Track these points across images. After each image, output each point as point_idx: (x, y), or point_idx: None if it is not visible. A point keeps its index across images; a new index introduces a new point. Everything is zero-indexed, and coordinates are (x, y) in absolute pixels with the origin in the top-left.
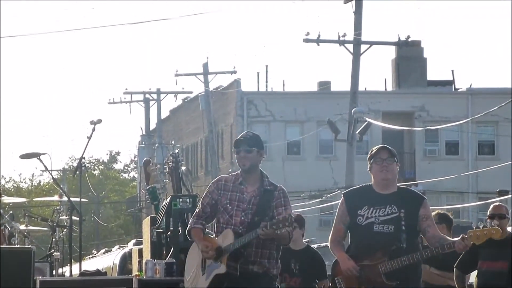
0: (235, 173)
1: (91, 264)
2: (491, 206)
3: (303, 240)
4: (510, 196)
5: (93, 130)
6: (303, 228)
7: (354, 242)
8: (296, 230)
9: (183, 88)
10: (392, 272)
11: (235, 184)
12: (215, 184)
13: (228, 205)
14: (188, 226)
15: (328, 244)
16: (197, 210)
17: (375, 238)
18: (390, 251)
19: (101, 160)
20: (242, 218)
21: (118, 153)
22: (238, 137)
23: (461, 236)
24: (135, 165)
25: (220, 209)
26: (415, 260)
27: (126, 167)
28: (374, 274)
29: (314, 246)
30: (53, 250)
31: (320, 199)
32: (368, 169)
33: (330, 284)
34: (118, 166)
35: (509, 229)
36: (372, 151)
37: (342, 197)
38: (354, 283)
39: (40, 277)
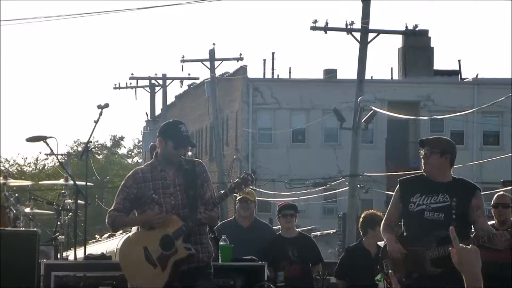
0: (149, 162)
1: (95, 248)
2: (495, 196)
3: (303, 229)
4: None
5: (100, 114)
6: (296, 216)
7: (406, 228)
8: (294, 218)
9: (189, 74)
10: (438, 259)
11: (154, 173)
12: (132, 178)
13: (154, 195)
14: (109, 219)
15: (380, 228)
16: (114, 205)
17: (425, 225)
18: (438, 238)
19: (105, 145)
20: (173, 202)
21: (122, 138)
22: (185, 133)
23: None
24: (139, 150)
25: (146, 201)
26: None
27: (130, 152)
28: (420, 260)
29: (317, 233)
30: (58, 234)
31: (324, 187)
32: None
33: (378, 266)
34: (121, 151)
35: None
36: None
37: (398, 185)
38: (401, 266)
39: (44, 260)
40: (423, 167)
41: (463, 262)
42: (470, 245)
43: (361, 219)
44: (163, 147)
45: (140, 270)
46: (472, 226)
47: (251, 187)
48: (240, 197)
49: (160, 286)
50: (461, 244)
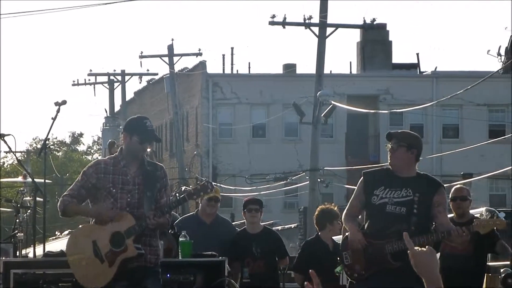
0: (113, 155)
1: (55, 245)
2: (453, 189)
3: (266, 223)
4: (474, 179)
5: (58, 111)
6: (262, 211)
7: (367, 220)
8: (259, 213)
9: (148, 70)
10: (398, 253)
11: (117, 167)
12: (93, 167)
13: (112, 189)
14: (61, 203)
15: (342, 217)
16: (70, 190)
17: (386, 218)
18: (398, 232)
19: (64, 142)
20: (129, 199)
21: (81, 135)
22: (150, 128)
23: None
24: (98, 147)
25: (102, 193)
26: (421, 243)
27: (89, 149)
28: (380, 253)
29: (278, 228)
30: (16, 231)
31: (285, 182)
32: None
33: (338, 258)
34: (81, 147)
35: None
36: None
37: (362, 177)
38: (360, 258)
39: (3, 258)
40: (389, 160)
41: (420, 265)
42: (426, 247)
43: (317, 213)
44: (128, 142)
45: (87, 264)
46: (433, 221)
47: (210, 192)
48: (210, 195)
49: (105, 282)
50: (416, 247)
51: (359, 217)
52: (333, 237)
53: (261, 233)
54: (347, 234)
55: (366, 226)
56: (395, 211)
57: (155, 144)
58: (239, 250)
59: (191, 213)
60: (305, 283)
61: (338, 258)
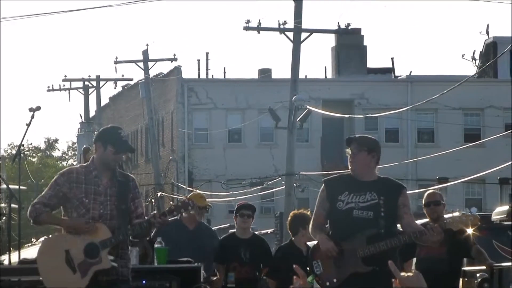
0: (84, 164)
1: (31, 252)
2: (425, 195)
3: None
4: (449, 183)
5: (32, 117)
6: (253, 217)
7: (333, 227)
8: (250, 219)
9: (122, 75)
10: (370, 257)
11: (88, 177)
12: (65, 176)
13: (84, 199)
14: (33, 212)
15: (309, 229)
16: (41, 198)
17: (354, 223)
18: (368, 236)
19: (39, 147)
20: (101, 211)
21: (56, 141)
22: (124, 138)
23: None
24: (73, 152)
25: (74, 202)
26: (392, 245)
27: (64, 155)
28: (352, 258)
29: (255, 233)
30: None
31: (261, 187)
32: None
33: (308, 268)
34: (56, 153)
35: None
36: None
37: (323, 184)
38: (331, 266)
39: None
40: (349, 166)
41: None
42: (412, 271)
43: (290, 219)
44: (102, 152)
45: (58, 273)
46: (399, 223)
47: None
48: (204, 204)
49: None
50: (402, 273)
51: (327, 225)
52: (307, 242)
53: (251, 239)
54: (315, 243)
55: (331, 232)
56: (362, 215)
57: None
58: (226, 253)
59: (173, 217)
60: (294, 277)
61: (308, 268)
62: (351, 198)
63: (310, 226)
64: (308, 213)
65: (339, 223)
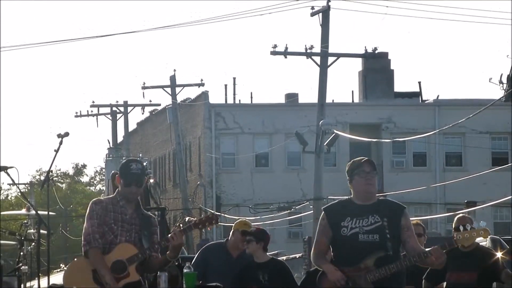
0: (109, 196)
1: (59, 278)
2: (455, 218)
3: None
4: (477, 207)
5: (61, 143)
6: (262, 242)
7: (338, 254)
8: (252, 243)
9: (150, 101)
10: (380, 281)
11: (116, 206)
12: (98, 205)
13: (113, 225)
14: (87, 245)
15: (312, 259)
16: (91, 229)
17: (361, 248)
18: (377, 259)
19: (67, 173)
20: (127, 237)
21: (84, 166)
22: (133, 171)
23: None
24: (101, 178)
25: (104, 228)
26: (403, 267)
27: (92, 180)
28: (362, 283)
29: (283, 258)
30: (21, 264)
31: (288, 211)
32: (349, 181)
33: None
34: (84, 179)
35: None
36: (353, 164)
37: (323, 212)
38: None
39: None
40: (369, 188)
41: None
42: None
43: None
44: (121, 185)
45: None
46: (403, 246)
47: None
48: (247, 229)
49: None
50: None
51: (329, 252)
52: None
53: (268, 262)
54: (321, 272)
55: (337, 259)
56: (368, 239)
57: (158, 175)
58: (245, 279)
59: (219, 241)
60: None
61: None
62: (355, 223)
63: (312, 254)
64: None
65: (345, 249)
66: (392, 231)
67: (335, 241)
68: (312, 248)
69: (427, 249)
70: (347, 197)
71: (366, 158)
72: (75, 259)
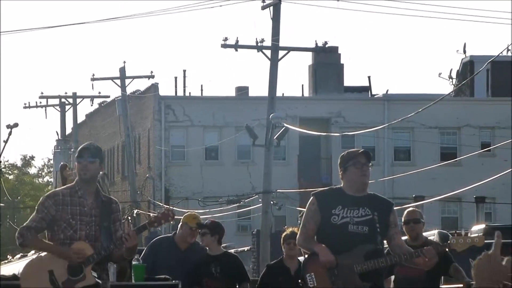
0: (68, 185)
1: (7, 269)
2: (405, 212)
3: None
4: (425, 201)
5: (10, 134)
6: (217, 235)
7: (326, 241)
8: (207, 236)
9: (99, 93)
10: (366, 273)
11: (74, 197)
12: (52, 199)
13: (71, 220)
14: (22, 237)
15: (298, 242)
16: (30, 224)
17: (350, 238)
18: (367, 252)
19: (15, 165)
20: (87, 231)
21: (32, 158)
22: (82, 146)
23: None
24: (49, 170)
25: (61, 224)
26: (392, 262)
27: (40, 172)
28: (348, 273)
29: (232, 250)
30: None
31: (238, 204)
32: (342, 172)
33: (300, 281)
34: (32, 170)
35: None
36: (348, 155)
37: (313, 197)
38: (326, 280)
39: None
40: (363, 179)
41: None
42: None
43: (284, 235)
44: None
45: None
46: (387, 242)
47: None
48: (198, 223)
49: None
50: None
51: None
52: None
53: (221, 255)
54: (307, 256)
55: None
56: (357, 230)
57: (107, 167)
58: (199, 272)
59: (167, 235)
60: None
61: (300, 281)
62: (346, 212)
63: (299, 238)
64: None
65: (333, 237)
66: (382, 225)
67: (324, 228)
68: (299, 232)
69: (425, 248)
70: (337, 186)
71: (362, 149)
72: (30, 260)
